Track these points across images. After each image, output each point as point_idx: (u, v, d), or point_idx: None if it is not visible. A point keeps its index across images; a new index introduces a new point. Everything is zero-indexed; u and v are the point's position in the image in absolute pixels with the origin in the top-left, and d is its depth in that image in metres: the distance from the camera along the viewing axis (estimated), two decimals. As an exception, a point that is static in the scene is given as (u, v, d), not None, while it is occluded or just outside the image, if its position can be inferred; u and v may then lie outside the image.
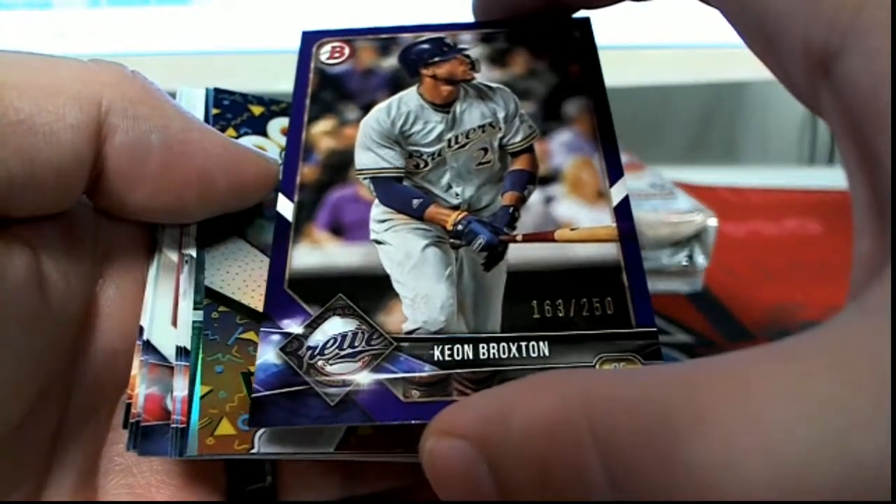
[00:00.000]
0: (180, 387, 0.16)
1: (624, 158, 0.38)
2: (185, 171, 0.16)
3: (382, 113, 0.20)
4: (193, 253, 0.17)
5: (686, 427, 0.10)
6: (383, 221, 0.18)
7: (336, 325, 0.16)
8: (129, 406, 0.16)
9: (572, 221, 0.17)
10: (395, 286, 0.17)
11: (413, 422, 0.15)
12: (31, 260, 0.15)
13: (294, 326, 0.16)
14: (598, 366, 0.15)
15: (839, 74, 0.11)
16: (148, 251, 0.18)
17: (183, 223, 0.17)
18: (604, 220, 0.17)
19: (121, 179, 0.15)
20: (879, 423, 0.09)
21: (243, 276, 0.17)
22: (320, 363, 0.16)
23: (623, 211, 0.17)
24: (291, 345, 0.16)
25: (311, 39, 0.22)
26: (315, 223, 0.18)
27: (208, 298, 0.17)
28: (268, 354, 0.16)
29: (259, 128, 0.20)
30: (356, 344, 0.16)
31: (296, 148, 0.19)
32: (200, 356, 0.16)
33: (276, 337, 0.16)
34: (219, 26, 0.41)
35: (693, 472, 0.09)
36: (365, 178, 0.18)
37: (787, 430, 0.09)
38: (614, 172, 0.18)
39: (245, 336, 0.17)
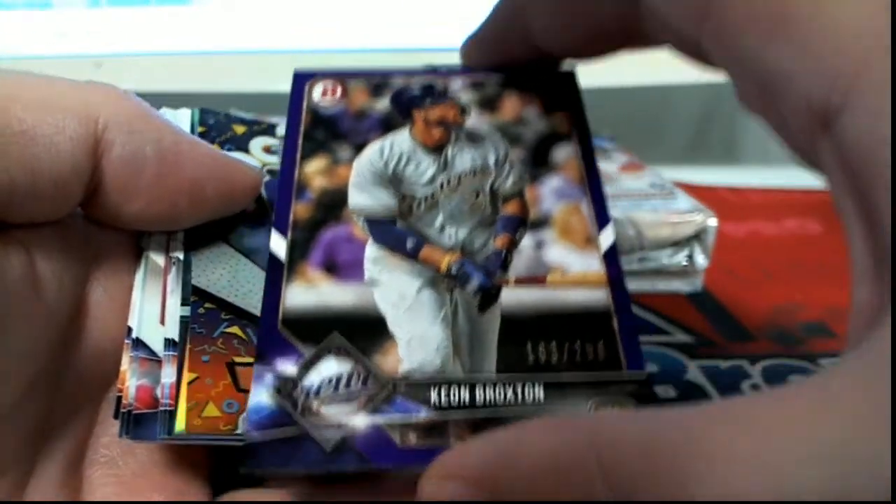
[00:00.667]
0: (169, 374, 0.16)
1: (624, 158, 0.39)
2: (178, 180, 0.17)
3: (376, 153, 0.20)
4: (181, 256, 0.18)
5: (694, 466, 0.10)
6: (377, 262, 0.18)
7: (331, 366, 0.16)
8: (119, 399, 0.16)
9: (563, 266, 0.18)
10: (391, 327, 0.17)
11: (412, 466, 0.14)
12: (26, 260, 0.16)
13: (288, 367, 0.16)
14: (591, 410, 0.15)
15: (839, 132, 0.12)
16: (135, 256, 0.18)
17: (173, 230, 0.18)
18: (593, 265, 0.18)
19: (118, 191, 0.16)
20: (881, 469, 0.09)
21: (227, 277, 0.18)
22: (315, 405, 0.15)
23: (611, 257, 0.18)
24: (286, 386, 0.16)
25: (303, 78, 0.22)
26: (309, 262, 0.18)
27: (195, 296, 0.18)
28: (261, 395, 0.16)
29: (242, 145, 0.21)
30: (352, 385, 0.16)
31: (289, 185, 0.19)
32: (188, 346, 0.17)
33: (269, 377, 0.16)
34: (219, 26, 0.41)
35: None
36: (359, 218, 0.19)
37: (790, 471, 0.10)
38: (602, 219, 0.19)
39: (230, 330, 0.17)
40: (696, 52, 0.16)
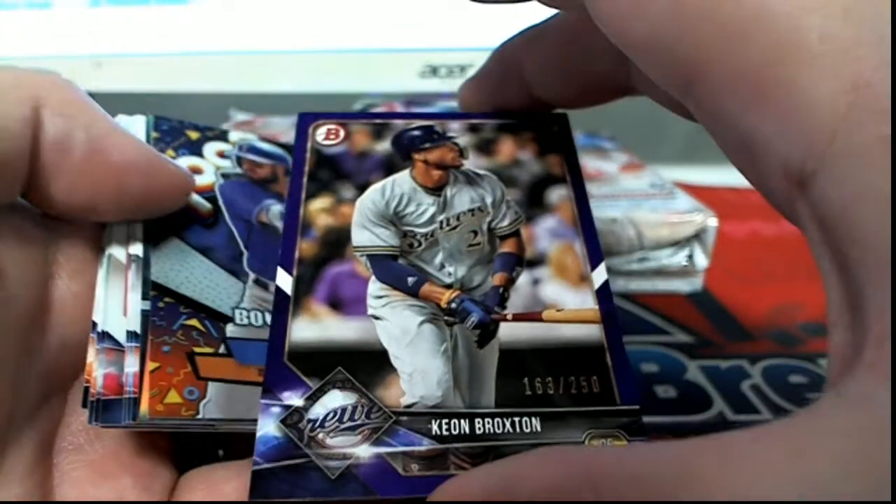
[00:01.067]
0: (132, 363, 0.17)
1: (625, 158, 0.40)
2: (103, 167, 0.17)
3: (377, 193, 0.21)
4: (140, 253, 0.19)
5: (689, 499, 0.11)
6: (380, 297, 0.19)
7: (336, 399, 0.17)
8: (87, 389, 0.17)
9: (558, 303, 0.19)
10: (393, 361, 0.17)
11: (414, 496, 0.15)
12: None
13: (294, 399, 0.16)
14: (586, 441, 0.16)
15: (815, 192, 0.13)
16: (95, 254, 0.19)
17: (111, 224, 0.19)
18: (587, 302, 0.19)
19: (46, 171, 0.17)
20: (856, 498, 0.10)
21: (185, 273, 0.19)
22: (321, 436, 0.16)
23: (603, 294, 0.19)
24: (292, 417, 0.16)
25: (307, 121, 0.23)
26: (314, 297, 0.18)
27: (154, 291, 0.18)
28: (268, 427, 0.16)
29: (196, 150, 0.22)
30: (356, 417, 0.16)
31: (294, 223, 0.20)
32: (149, 338, 0.18)
33: (276, 409, 0.16)
34: (219, 26, 0.41)
35: None
36: (362, 256, 0.19)
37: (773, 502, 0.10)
38: (595, 257, 0.20)
39: (189, 322, 0.19)
40: (682, 111, 0.17)
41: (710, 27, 0.14)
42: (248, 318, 0.19)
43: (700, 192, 0.34)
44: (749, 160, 0.14)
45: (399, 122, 0.23)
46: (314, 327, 0.18)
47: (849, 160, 0.12)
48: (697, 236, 0.31)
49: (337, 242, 0.20)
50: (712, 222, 0.31)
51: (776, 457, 0.11)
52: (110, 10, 0.41)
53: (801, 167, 0.13)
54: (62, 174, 0.17)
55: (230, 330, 0.19)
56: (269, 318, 0.19)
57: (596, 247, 0.20)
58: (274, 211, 0.20)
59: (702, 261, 0.31)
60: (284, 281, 0.19)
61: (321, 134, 0.22)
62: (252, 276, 0.20)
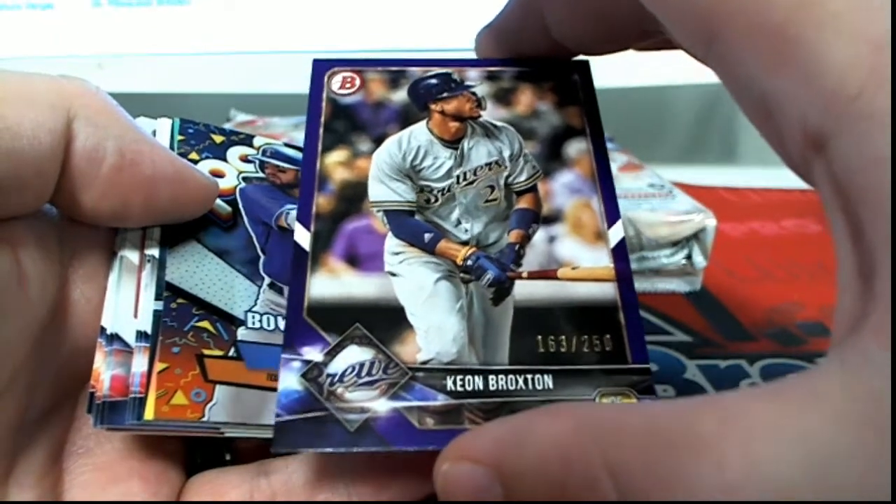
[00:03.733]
0: (140, 363, 0.17)
1: (624, 158, 0.39)
2: (134, 177, 0.17)
3: (394, 146, 0.21)
4: (156, 254, 0.19)
5: (687, 454, 0.11)
6: (397, 254, 0.19)
7: (354, 354, 0.17)
8: (92, 395, 0.17)
9: (573, 260, 0.19)
10: (409, 317, 0.18)
11: (429, 448, 0.16)
12: (13, 258, 0.17)
13: (314, 354, 0.17)
14: (597, 399, 0.17)
15: (832, 154, 0.13)
16: (107, 256, 0.19)
17: (127, 228, 0.19)
18: (602, 260, 0.19)
19: (76, 179, 0.17)
20: (857, 455, 0.10)
21: (200, 275, 0.19)
22: (340, 390, 0.17)
23: (619, 252, 0.19)
24: (312, 372, 0.17)
25: (322, 68, 0.22)
26: (331, 253, 0.19)
27: (168, 291, 0.18)
28: (289, 380, 0.17)
29: (219, 154, 0.22)
30: (373, 372, 0.17)
31: (311, 177, 0.20)
32: (160, 338, 0.18)
33: (296, 364, 0.17)
34: (219, 27, 0.42)
35: (693, 492, 0.11)
36: (378, 211, 0.19)
37: (776, 458, 0.11)
38: (612, 214, 0.20)
39: (200, 324, 0.18)
40: (704, 63, 0.17)
41: None
42: (261, 321, 0.19)
43: (699, 193, 0.34)
44: (767, 119, 0.14)
45: (416, 70, 0.22)
46: (332, 283, 0.18)
47: (868, 123, 0.12)
48: (696, 236, 0.31)
49: (354, 197, 0.20)
50: (711, 222, 0.31)
51: (773, 415, 0.11)
52: (112, 11, 0.41)
53: (818, 128, 0.12)
54: (92, 184, 0.17)
55: (241, 333, 0.19)
56: (281, 323, 0.19)
57: (614, 203, 0.20)
58: (294, 216, 0.20)
59: (701, 260, 0.31)
60: (303, 237, 0.19)
61: (336, 83, 0.22)
62: (267, 280, 0.20)
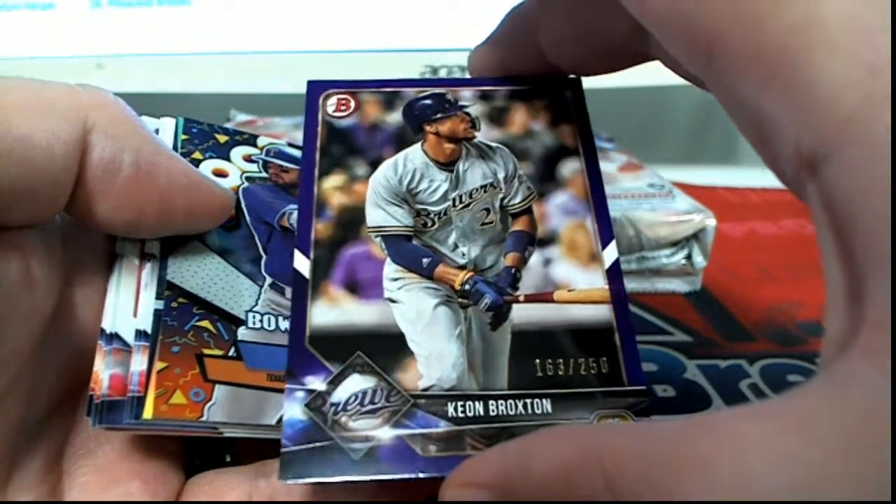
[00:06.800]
0: (139, 362, 0.17)
1: (624, 158, 0.39)
2: (150, 189, 0.18)
3: (390, 170, 0.21)
4: (157, 252, 0.19)
5: (682, 474, 0.12)
6: (396, 279, 0.19)
7: (356, 383, 0.17)
8: (91, 397, 0.17)
9: (569, 283, 0.19)
10: (410, 344, 0.18)
11: (434, 475, 0.16)
12: (24, 263, 0.17)
13: (317, 383, 0.17)
14: (595, 421, 0.17)
15: (824, 176, 0.13)
16: (108, 262, 0.19)
17: (140, 238, 0.19)
18: (597, 281, 0.19)
19: (92, 190, 0.17)
20: (845, 477, 0.11)
21: (202, 274, 0.19)
22: (344, 419, 0.17)
23: (614, 273, 0.19)
24: (315, 401, 0.17)
25: (317, 90, 0.22)
26: (331, 281, 0.19)
27: (168, 290, 0.19)
28: (294, 410, 0.17)
29: (223, 154, 0.22)
30: (376, 400, 0.17)
31: (308, 203, 0.20)
32: (159, 337, 0.18)
33: (300, 393, 0.17)
34: (220, 27, 0.42)
35: None
36: (377, 236, 0.20)
37: (763, 480, 0.11)
38: (606, 235, 0.20)
39: (201, 324, 0.18)
40: (699, 83, 0.17)
41: (728, 2, 0.13)
42: (262, 321, 0.19)
43: (699, 193, 0.34)
44: (762, 138, 0.14)
45: (410, 91, 0.22)
46: (333, 311, 0.18)
47: (862, 149, 0.12)
48: (696, 236, 0.31)
49: (352, 223, 0.20)
50: (711, 222, 0.31)
51: (763, 437, 0.12)
52: (112, 12, 0.41)
53: (813, 151, 0.13)
54: (108, 195, 0.17)
55: (242, 333, 0.19)
56: (282, 322, 0.20)
57: (607, 224, 0.20)
58: (296, 217, 0.20)
59: (700, 260, 0.31)
60: (302, 264, 0.19)
61: (331, 105, 0.22)
62: (269, 279, 0.20)
